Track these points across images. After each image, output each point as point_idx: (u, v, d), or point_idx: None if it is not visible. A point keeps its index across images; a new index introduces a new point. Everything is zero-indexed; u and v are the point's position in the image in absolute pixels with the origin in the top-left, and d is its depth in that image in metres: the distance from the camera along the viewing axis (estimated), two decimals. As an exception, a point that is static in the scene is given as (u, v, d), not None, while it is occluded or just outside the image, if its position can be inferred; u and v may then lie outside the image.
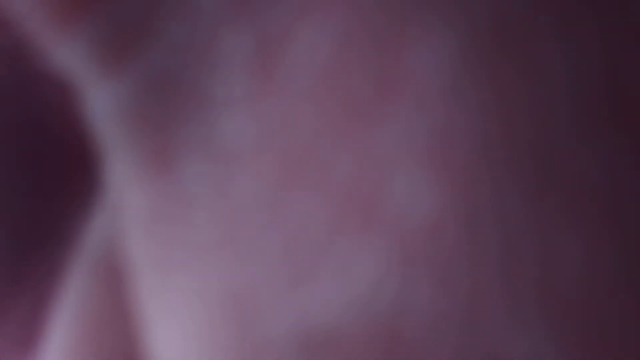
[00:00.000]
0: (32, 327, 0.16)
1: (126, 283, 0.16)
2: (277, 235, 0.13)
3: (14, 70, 0.16)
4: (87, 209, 0.17)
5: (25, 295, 0.16)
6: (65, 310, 0.16)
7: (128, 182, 0.14)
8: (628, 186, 0.13)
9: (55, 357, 0.16)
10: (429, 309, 0.13)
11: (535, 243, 0.13)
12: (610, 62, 0.13)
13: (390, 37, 0.13)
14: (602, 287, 0.13)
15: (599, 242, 0.13)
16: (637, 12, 0.13)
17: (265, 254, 0.13)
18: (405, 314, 0.13)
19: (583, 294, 0.13)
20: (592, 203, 0.13)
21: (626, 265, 0.13)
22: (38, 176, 0.16)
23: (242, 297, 0.13)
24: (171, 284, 0.14)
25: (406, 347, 0.13)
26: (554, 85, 0.13)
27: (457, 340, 0.13)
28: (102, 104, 0.14)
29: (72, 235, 0.17)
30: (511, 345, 0.13)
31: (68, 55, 0.14)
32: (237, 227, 0.13)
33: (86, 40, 0.14)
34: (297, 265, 0.13)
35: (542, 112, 0.13)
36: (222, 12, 0.13)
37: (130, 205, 0.14)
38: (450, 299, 0.13)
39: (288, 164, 0.13)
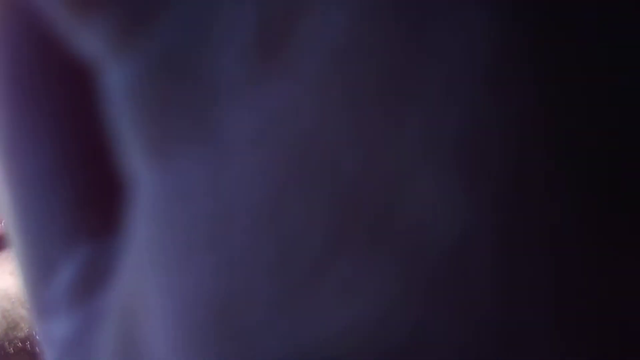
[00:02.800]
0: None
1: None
2: (270, 240, 0.12)
3: (42, 59, 0.15)
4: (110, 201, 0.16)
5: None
6: None
7: (135, 171, 0.13)
8: None
9: None
10: (449, 343, 0.11)
11: (598, 280, 0.11)
12: None
13: (416, 10, 0.11)
14: None
15: None
16: None
17: (256, 261, 0.12)
18: (421, 347, 0.11)
19: None
20: None
21: None
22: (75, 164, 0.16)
23: (230, 306, 0.12)
24: (157, 283, 0.13)
25: None
26: (626, 78, 0.11)
27: None
28: (114, 86, 0.13)
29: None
30: None
31: (87, 38, 0.13)
32: (227, 228, 0.12)
33: (103, 21, 0.13)
34: (292, 278, 0.12)
35: (606, 111, 0.11)
36: None
37: (134, 195, 0.14)
38: (477, 335, 0.11)
39: (287, 160, 0.12)
